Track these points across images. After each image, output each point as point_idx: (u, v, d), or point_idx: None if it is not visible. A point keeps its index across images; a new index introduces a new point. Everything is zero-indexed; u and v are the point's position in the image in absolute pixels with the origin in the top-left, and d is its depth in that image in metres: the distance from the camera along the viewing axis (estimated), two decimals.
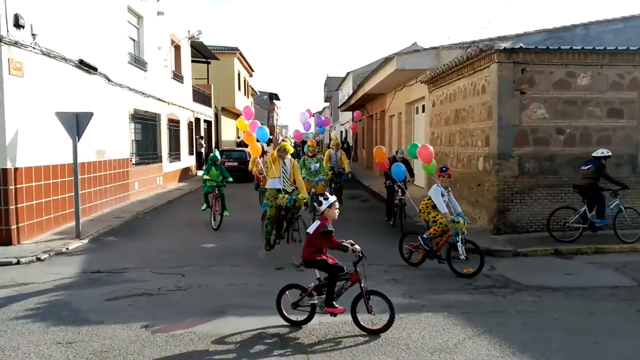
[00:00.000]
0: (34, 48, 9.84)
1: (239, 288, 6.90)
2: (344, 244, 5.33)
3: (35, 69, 9.92)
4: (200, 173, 25.77)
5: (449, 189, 7.91)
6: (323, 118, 19.24)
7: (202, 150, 27.88)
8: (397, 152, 11.69)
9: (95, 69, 12.68)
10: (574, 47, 10.09)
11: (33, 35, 9.80)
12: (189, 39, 23.54)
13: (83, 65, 11.99)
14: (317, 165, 12.18)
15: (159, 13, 18.71)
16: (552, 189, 10.13)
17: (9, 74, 9.07)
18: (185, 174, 23.17)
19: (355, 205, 15.02)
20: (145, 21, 17.27)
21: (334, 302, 5.31)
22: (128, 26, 15.92)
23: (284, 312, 5.51)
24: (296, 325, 5.45)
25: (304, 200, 8.45)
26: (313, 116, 22.58)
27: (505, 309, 6.08)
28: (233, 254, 8.87)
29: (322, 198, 5.50)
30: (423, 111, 16.87)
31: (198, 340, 5.07)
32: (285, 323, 5.49)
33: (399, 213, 10.79)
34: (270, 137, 23.74)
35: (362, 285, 5.30)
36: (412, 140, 18.64)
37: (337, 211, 5.52)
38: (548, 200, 10.07)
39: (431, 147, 8.83)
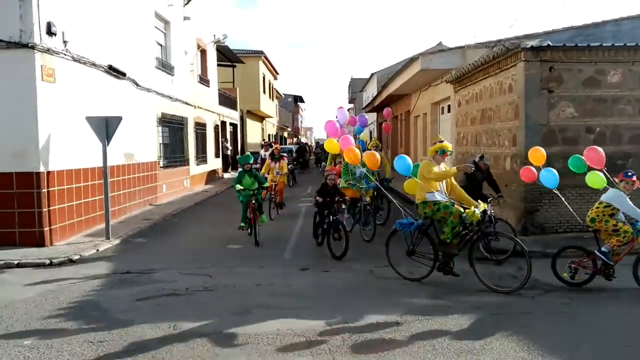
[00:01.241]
0: (65, 55, 10.11)
1: (265, 288, 6.95)
2: None
3: (66, 75, 10.18)
4: (226, 176, 26.04)
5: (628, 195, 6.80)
6: (366, 116, 16.14)
7: (228, 152, 28.17)
8: (482, 157, 9.28)
9: (123, 74, 12.95)
10: (604, 44, 9.88)
11: (65, 42, 10.07)
12: (215, 43, 23.83)
13: (112, 70, 12.26)
14: (364, 169, 10.19)
15: (185, 18, 19.00)
16: (581, 189, 9.86)
17: (42, 80, 9.34)
18: (211, 176, 23.43)
19: None
20: (172, 26, 17.57)
21: None
22: (155, 31, 16.21)
23: None
24: None
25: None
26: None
27: (534, 310, 5.99)
28: (259, 255, 8.94)
29: None
30: (449, 111, 16.72)
31: (225, 340, 5.12)
32: (312, 325, 5.49)
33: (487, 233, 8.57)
34: (273, 143, 23.15)
35: None
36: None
37: None
38: (578, 200, 9.85)
39: (600, 149, 7.33)
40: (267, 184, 10.38)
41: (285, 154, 15.39)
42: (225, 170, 27.03)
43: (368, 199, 10.49)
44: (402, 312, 5.87)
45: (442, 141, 7.29)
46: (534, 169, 7.79)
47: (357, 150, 8.31)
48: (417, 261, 7.38)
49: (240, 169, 10.16)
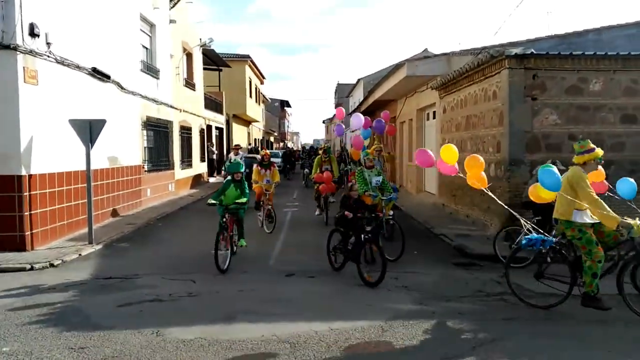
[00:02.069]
0: (48, 57, 9.99)
1: (249, 294, 6.91)
2: None
3: (49, 77, 10.05)
4: (212, 180, 25.87)
5: None
6: (383, 121, 14.42)
7: (214, 157, 28.00)
8: (554, 163, 7.81)
9: (108, 77, 12.83)
10: (586, 53, 10.04)
11: (48, 44, 9.94)
12: (201, 46, 23.76)
13: (96, 73, 12.14)
14: (379, 178, 9.35)
15: (171, 21, 18.92)
16: None
17: (24, 82, 9.21)
18: (197, 180, 23.30)
19: None
20: (157, 29, 17.46)
21: None
22: (141, 34, 16.09)
23: None
24: None
25: None
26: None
27: (518, 316, 6.03)
28: (243, 261, 8.87)
29: None
30: (434, 117, 16.83)
31: (208, 346, 5.07)
32: (297, 330, 5.47)
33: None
34: (262, 149, 22.54)
35: None
36: (423, 147, 18.56)
37: None
38: None
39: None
40: (246, 198, 8.81)
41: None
42: (210, 174, 26.90)
43: (391, 212, 9.59)
44: (387, 318, 5.87)
45: (596, 148, 6.18)
46: (606, 182, 7.19)
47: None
48: (548, 285, 6.38)
49: (228, 178, 9.05)
